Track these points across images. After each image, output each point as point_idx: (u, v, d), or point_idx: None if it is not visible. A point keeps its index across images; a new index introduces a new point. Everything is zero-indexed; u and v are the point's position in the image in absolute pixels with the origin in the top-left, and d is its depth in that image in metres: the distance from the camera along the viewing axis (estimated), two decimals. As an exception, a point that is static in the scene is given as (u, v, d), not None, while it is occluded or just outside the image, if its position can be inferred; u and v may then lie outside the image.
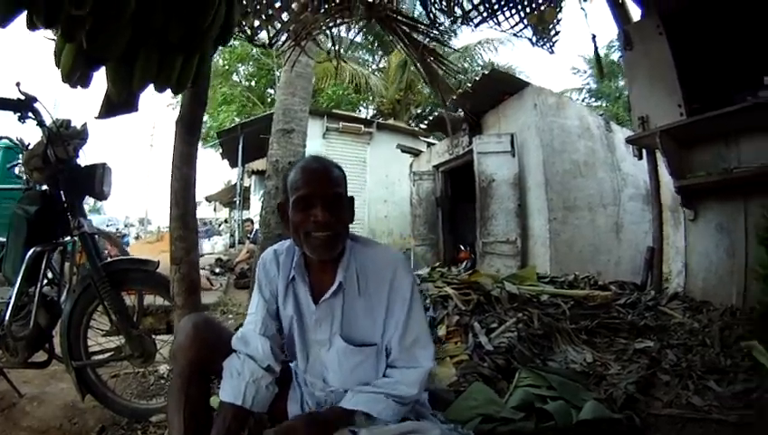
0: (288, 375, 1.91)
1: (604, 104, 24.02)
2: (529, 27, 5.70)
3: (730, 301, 4.50)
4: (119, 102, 1.76)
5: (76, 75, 1.59)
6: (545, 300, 4.53)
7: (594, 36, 5.89)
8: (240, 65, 22.83)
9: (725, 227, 4.84)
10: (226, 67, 21.96)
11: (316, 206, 1.71)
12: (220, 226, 23.22)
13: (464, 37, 20.09)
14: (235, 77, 23.17)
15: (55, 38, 1.61)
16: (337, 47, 5.37)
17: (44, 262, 2.88)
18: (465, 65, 19.04)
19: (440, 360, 3.26)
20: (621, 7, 6.01)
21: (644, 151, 5.65)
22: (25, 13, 1.41)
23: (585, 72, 25.60)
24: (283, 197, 1.85)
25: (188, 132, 2.91)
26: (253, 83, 22.93)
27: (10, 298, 2.79)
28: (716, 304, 4.52)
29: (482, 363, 3.15)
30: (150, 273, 3.00)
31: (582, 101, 24.39)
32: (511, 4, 5.57)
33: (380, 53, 22.01)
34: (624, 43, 5.69)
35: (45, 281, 2.94)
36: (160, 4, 1.55)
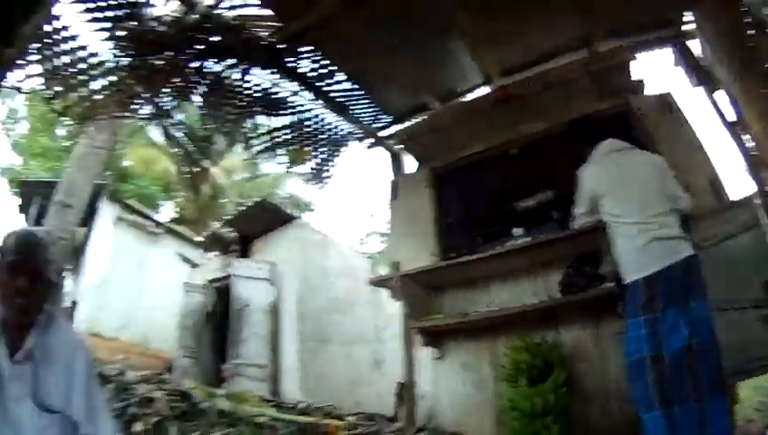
0: None
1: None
2: (292, 164, 6.33)
3: (482, 432, 4.81)
4: None
5: None
6: (263, 422, 4.58)
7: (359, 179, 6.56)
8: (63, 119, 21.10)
9: (472, 364, 5.16)
10: (48, 115, 20.39)
11: (21, 274, 1.87)
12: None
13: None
14: (60, 130, 21.62)
15: None
16: (115, 136, 5.59)
17: None
18: (279, 190, 19.62)
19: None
20: (398, 159, 6.72)
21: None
22: None
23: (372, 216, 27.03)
24: None
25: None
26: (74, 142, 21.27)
27: None
28: (469, 435, 4.78)
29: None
30: None
31: (381, 243, 25.77)
32: (294, 141, 6.19)
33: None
34: (393, 193, 6.22)
35: None
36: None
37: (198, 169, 5.37)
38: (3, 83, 2.37)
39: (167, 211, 20.99)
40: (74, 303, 11.94)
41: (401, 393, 5.61)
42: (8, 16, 1.87)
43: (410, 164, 6.69)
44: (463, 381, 5.19)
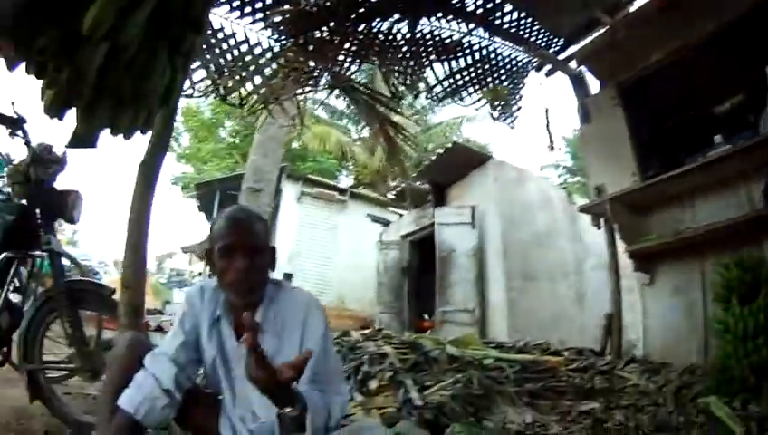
0: (218, 402, 2.03)
1: (580, 179, 23.68)
2: (490, 104, 6.16)
3: (690, 360, 4.57)
4: (82, 138, 2.07)
5: (54, 111, 1.92)
6: (489, 364, 4.53)
7: (547, 110, 6.38)
8: (226, 121, 23.24)
9: (681, 288, 4.99)
10: (213, 120, 22.40)
11: (238, 255, 1.86)
12: (194, 278, 23.04)
13: (448, 112, 20.75)
14: (222, 132, 23.61)
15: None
16: (301, 113, 5.83)
17: (13, 268, 3.11)
18: (453, 138, 19.65)
19: (368, 411, 3.35)
20: (581, 81, 6.37)
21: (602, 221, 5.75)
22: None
23: (560, 148, 26.00)
24: (210, 243, 1.98)
25: (148, 175, 3.14)
26: (238, 140, 23.33)
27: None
28: (676, 365, 4.55)
29: (409, 417, 3.18)
30: (105, 296, 3.20)
31: (559, 176, 24.90)
32: (474, 82, 6.06)
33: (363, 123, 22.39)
34: (582, 117, 6.02)
35: (12, 287, 3.14)
36: (117, 66, 1.88)
37: (386, 125, 5.42)
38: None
39: (345, 180, 22.00)
40: (288, 275, 12.84)
41: (609, 325, 5.62)
42: (194, 2, 1.90)
43: (593, 86, 6.35)
44: (672, 308, 5.05)
